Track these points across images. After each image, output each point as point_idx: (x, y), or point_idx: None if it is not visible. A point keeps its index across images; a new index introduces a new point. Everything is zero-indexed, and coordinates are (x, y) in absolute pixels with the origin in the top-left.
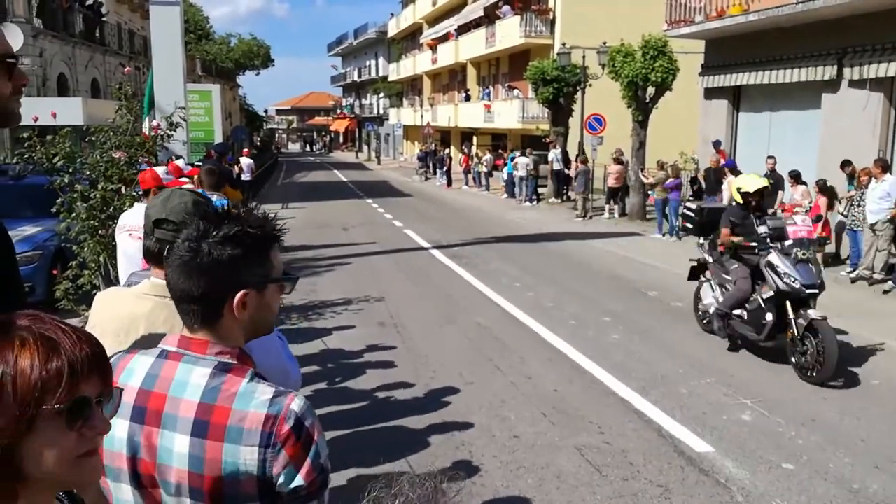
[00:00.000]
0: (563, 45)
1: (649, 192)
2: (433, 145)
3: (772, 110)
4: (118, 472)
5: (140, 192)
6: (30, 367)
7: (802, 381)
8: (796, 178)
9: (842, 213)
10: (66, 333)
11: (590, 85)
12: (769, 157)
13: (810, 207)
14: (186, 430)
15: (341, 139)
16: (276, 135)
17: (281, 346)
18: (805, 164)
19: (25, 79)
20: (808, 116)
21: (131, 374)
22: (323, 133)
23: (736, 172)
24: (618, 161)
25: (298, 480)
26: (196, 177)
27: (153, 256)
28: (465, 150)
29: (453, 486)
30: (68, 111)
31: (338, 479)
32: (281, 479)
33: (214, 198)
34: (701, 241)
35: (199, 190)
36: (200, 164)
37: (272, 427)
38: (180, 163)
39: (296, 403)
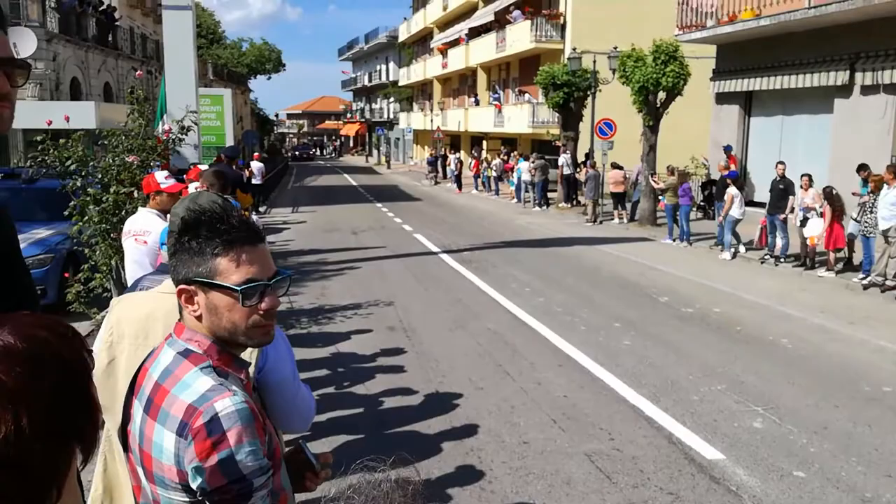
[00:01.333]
0: (574, 49)
1: (660, 198)
2: (443, 150)
3: (784, 115)
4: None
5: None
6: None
7: (814, 388)
8: (809, 180)
9: (855, 219)
10: (33, 327)
11: (600, 90)
12: (779, 162)
13: (822, 211)
14: (143, 404)
15: (351, 143)
16: (287, 139)
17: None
18: (817, 169)
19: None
20: (820, 121)
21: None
22: (333, 137)
23: (738, 184)
24: (616, 166)
25: (201, 481)
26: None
27: None
28: (476, 155)
29: (409, 484)
30: (81, 115)
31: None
32: (189, 474)
33: None
34: None
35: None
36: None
37: (189, 417)
38: (203, 167)
39: (222, 402)
